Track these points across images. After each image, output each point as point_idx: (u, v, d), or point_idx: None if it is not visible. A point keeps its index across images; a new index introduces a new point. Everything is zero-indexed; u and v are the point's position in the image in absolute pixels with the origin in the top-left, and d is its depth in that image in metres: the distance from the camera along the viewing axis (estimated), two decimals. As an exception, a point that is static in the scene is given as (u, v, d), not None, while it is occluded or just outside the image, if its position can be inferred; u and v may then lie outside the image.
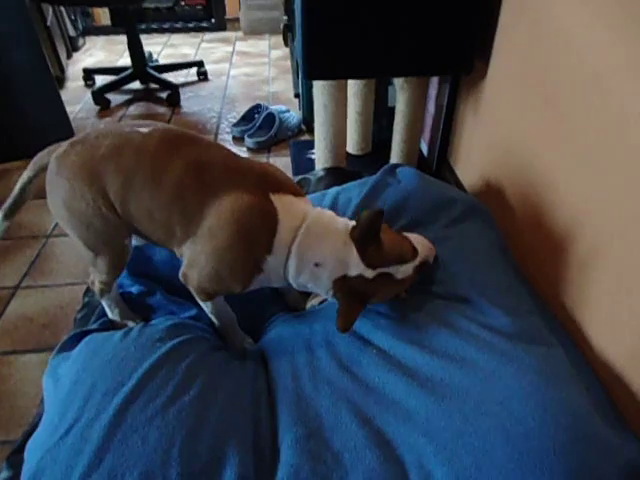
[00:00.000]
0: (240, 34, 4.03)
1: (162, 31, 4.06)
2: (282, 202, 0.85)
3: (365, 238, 0.84)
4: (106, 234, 0.91)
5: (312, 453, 0.73)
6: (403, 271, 0.86)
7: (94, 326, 1.05)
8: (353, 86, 1.75)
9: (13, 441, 0.97)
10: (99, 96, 2.61)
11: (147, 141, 0.86)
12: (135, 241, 1.04)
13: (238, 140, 2.28)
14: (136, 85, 2.85)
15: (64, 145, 0.90)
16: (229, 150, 0.92)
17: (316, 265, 0.84)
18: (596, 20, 0.90)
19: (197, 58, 3.39)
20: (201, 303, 0.95)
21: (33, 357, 1.22)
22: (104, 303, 1.05)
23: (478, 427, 0.72)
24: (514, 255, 1.18)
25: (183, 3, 3.98)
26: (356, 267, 0.83)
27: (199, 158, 0.85)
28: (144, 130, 0.88)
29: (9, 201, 0.96)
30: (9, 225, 0.99)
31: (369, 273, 0.83)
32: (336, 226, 0.87)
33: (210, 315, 0.99)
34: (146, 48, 2.82)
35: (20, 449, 0.83)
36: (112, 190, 0.86)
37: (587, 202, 0.94)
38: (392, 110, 1.75)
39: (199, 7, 4.06)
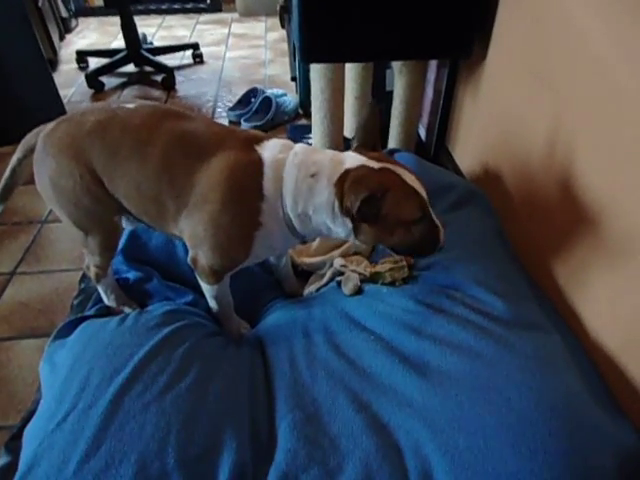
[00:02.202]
0: (236, 15, 3.96)
1: (156, 12, 3.98)
2: (266, 146, 0.83)
3: (365, 135, 0.82)
4: (95, 212, 0.90)
5: (309, 438, 0.74)
6: (411, 179, 0.78)
7: (90, 312, 1.05)
8: (351, 70, 1.73)
9: (11, 427, 0.98)
10: (93, 79, 2.57)
11: (132, 115, 0.86)
12: (131, 225, 1.04)
13: (234, 124, 2.25)
14: (130, 68, 2.80)
15: (51, 124, 0.89)
16: (214, 120, 0.92)
17: (312, 176, 0.78)
18: (595, 2, 0.88)
19: (192, 40, 3.34)
20: (206, 287, 0.95)
21: (30, 343, 1.21)
22: (100, 289, 1.05)
23: (474, 412, 0.72)
24: (511, 240, 1.17)
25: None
26: (355, 159, 0.78)
27: (184, 128, 0.85)
28: (130, 106, 0.88)
29: (1, 185, 0.95)
30: (3, 209, 0.99)
31: (374, 163, 0.77)
32: (324, 150, 0.85)
33: (210, 300, 0.98)
34: (140, 30, 2.77)
35: (18, 435, 0.83)
36: (99, 165, 0.85)
37: (585, 186, 0.94)
38: (390, 94, 1.72)
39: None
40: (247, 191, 0.81)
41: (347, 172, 0.77)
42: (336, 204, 0.77)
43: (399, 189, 0.77)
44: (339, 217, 0.79)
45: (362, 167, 0.77)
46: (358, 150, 0.81)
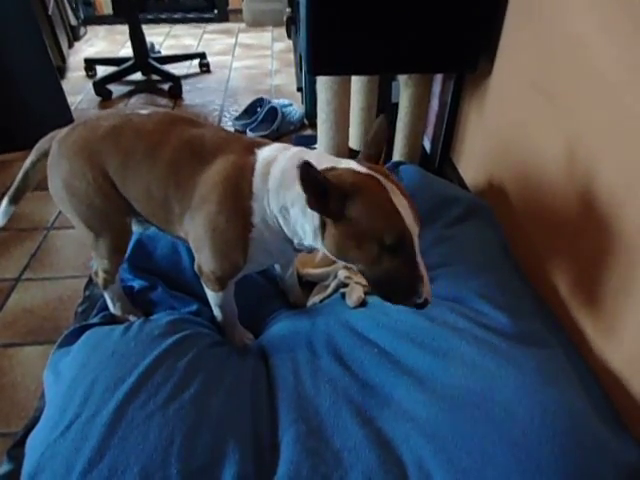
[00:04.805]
0: (243, 25, 4.00)
1: (164, 21, 4.03)
2: (264, 149, 0.84)
3: (371, 148, 0.82)
4: (107, 213, 0.92)
5: (312, 451, 0.74)
6: (401, 201, 0.70)
7: (95, 320, 1.05)
8: (357, 82, 1.74)
9: (13, 433, 0.98)
10: (100, 87, 2.59)
11: (146, 121, 0.88)
12: (141, 228, 1.04)
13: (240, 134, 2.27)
14: (138, 76, 2.83)
15: (65, 129, 0.92)
16: (223, 128, 0.94)
17: (298, 168, 0.71)
18: (602, 20, 0.89)
19: (199, 49, 3.37)
20: (211, 295, 0.95)
21: (33, 350, 1.21)
22: (106, 296, 1.05)
23: (478, 428, 0.72)
24: (515, 254, 1.17)
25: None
26: (348, 164, 0.76)
27: (192, 133, 0.87)
28: (143, 112, 0.90)
29: (13, 187, 0.97)
30: (14, 211, 1.00)
31: (362, 169, 0.74)
32: (320, 153, 0.83)
33: (215, 308, 0.99)
34: (148, 38, 2.79)
35: (21, 442, 0.83)
36: (112, 168, 0.87)
37: (590, 198, 0.94)
38: (395, 106, 1.73)
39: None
40: (240, 191, 0.81)
41: (332, 169, 0.74)
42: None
43: (375, 197, 0.70)
44: (309, 210, 0.73)
45: (349, 169, 0.74)
46: (359, 161, 0.79)
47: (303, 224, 0.78)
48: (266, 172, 0.80)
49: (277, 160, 0.81)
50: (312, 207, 0.71)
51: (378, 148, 0.83)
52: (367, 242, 0.71)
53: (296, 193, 0.75)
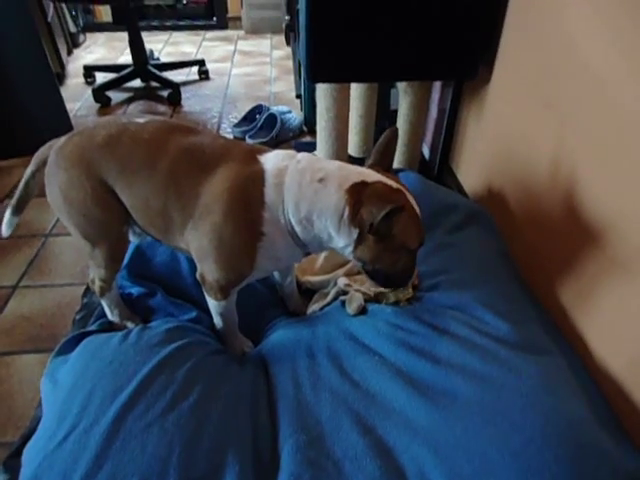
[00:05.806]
0: (242, 33, 4.02)
1: (163, 29, 4.04)
2: (269, 156, 0.84)
3: (381, 156, 0.84)
4: (104, 222, 0.91)
5: (313, 461, 0.73)
6: (418, 210, 0.81)
7: (93, 327, 1.04)
8: (356, 89, 1.75)
9: (10, 443, 0.97)
10: (99, 94, 2.60)
11: (143, 129, 0.87)
12: (137, 239, 1.04)
13: (239, 140, 2.27)
14: (137, 83, 2.83)
15: (63, 138, 0.91)
16: (220, 135, 0.94)
17: (319, 181, 0.78)
18: (602, 28, 0.90)
19: (198, 57, 3.38)
20: (213, 303, 0.94)
21: (31, 358, 1.20)
22: (104, 303, 1.05)
23: (479, 437, 0.72)
24: (515, 261, 1.17)
25: (185, 1, 3.95)
26: (373, 175, 0.79)
27: (190, 141, 0.86)
28: (140, 120, 0.90)
29: (15, 197, 0.97)
30: (18, 221, 1.01)
31: (392, 182, 0.78)
32: (328, 160, 0.86)
33: (216, 316, 0.98)
34: (147, 46, 2.80)
35: (17, 453, 0.82)
36: (110, 178, 0.87)
37: (590, 206, 0.94)
38: (394, 113, 1.74)
39: (201, 5, 4.05)
40: (249, 201, 0.80)
41: (364, 183, 0.77)
42: (346, 211, 0.76)
43: (411, 214, 0.79)
44: (345, 225, 0.77)
45: (381, 183, 0.77)
46: (374, 168, 0.82)
47: (332, 235, 0.80)
48: (279, 182, 0.80)
49: (289, 170, 0.80)
50: (369, 231, 0.76)
51: (390, 157, 0.86)
52: (398, 250, 0.81)
53: (325, 208, 0.78)
